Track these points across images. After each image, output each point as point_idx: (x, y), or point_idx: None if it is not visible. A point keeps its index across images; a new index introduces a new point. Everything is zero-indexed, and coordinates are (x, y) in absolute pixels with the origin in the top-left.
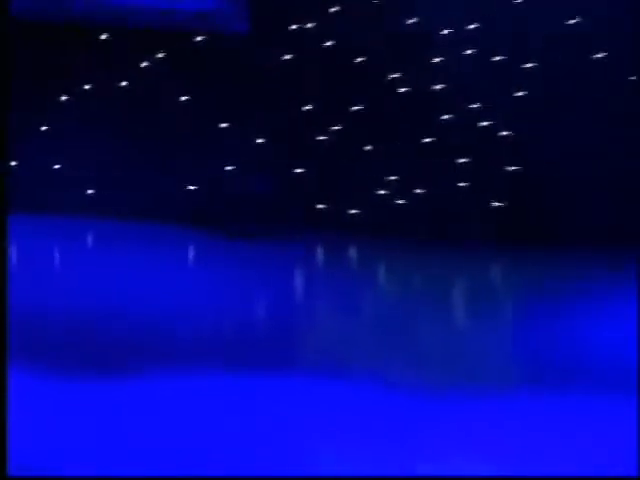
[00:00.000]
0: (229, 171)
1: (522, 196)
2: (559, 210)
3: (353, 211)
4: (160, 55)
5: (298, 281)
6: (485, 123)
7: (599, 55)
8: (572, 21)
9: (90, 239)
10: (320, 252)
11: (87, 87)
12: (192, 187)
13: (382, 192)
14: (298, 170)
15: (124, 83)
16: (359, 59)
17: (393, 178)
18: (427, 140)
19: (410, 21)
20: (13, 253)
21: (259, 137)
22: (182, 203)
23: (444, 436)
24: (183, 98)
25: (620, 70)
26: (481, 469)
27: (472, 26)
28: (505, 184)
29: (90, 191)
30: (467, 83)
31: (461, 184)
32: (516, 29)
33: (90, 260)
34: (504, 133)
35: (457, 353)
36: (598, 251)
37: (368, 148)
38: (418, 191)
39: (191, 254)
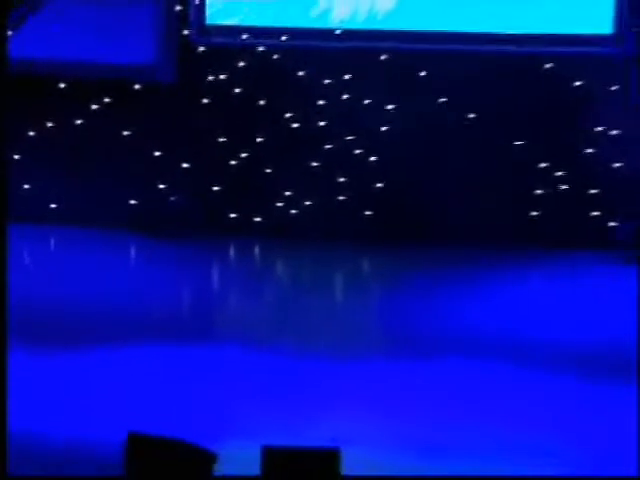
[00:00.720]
0: (161, 189)
1: (386, 207)
2: (416, 217)
3: (257, 219)
4: (107, 99)
5: (214, 273)
6: (358, 151)
7: (443, 99)
8: (422, 73)
9: (52, 243)
10: (231, 250)
11: (50, 124)
12: (133, 201)
13: (280, 204)
14: (215, 187)
15: (79, 121)
16: (261, 102)
17: (288, 193)
18: (314, 164)
19: (300, 73)
20: None
21: (185, 163)
22: (124, 213)
23: (339, 392)
24: (125, 133)
25: (459, 110)
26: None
27: (347, 76)
28: (373, 197)
29: (53, 205)
30: (344, 120)
31: (340, 197)
32: (382, 78)
33: (53, 260)
34: (372, 158)
35: (338, 326)
36: (451, 248)
37: (269, 170)
38: (307, 203)
39: (131, 253)
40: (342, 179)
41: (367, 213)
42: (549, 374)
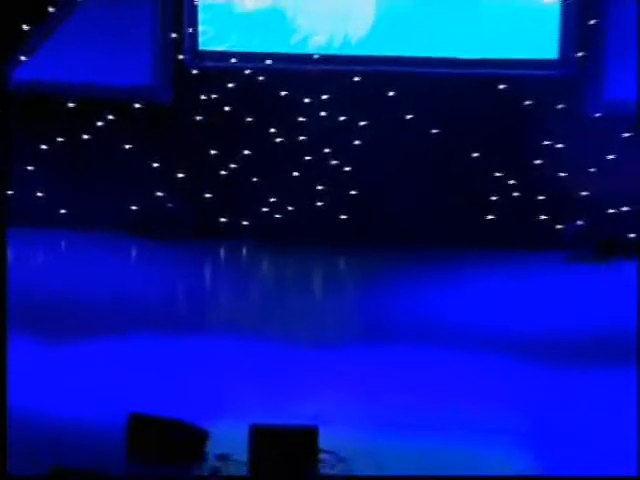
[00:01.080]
0: (159, 196)
1: (359, 211)
2: (386, 220)
3: (245, 222)
4: (110, 117)
5: (207, 272)
6: (334, 162)
7: (408, 116)
8: (390, 93)
9: (62, 245)
10: (222, 251)
11: (60, 139)
12: (134, 207)
13: (265, 209)
14: (207, 195)
15: (85, 136)
16: (248, 119)
17: (273, 199)
18: (295, 174)
19: (282, 93)
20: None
21: (180, 172)
22: (126, 218)
23: (320, 377)
24: (127, 146)
25: (424, 125)
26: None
27: (324, 96)
28: (347, 203)
29: (62, 210)
30: (321, 135)
31: (319, 203)
32: (355, 98)
33: (62, 259)
34: (347, 169)
35: (317, 318)
36: (418, 248)
37: (255, 179)
38: (290, 208)
39: (132, 254)
40: (320, 187)
41: (342, 217)
42: (508, 358)
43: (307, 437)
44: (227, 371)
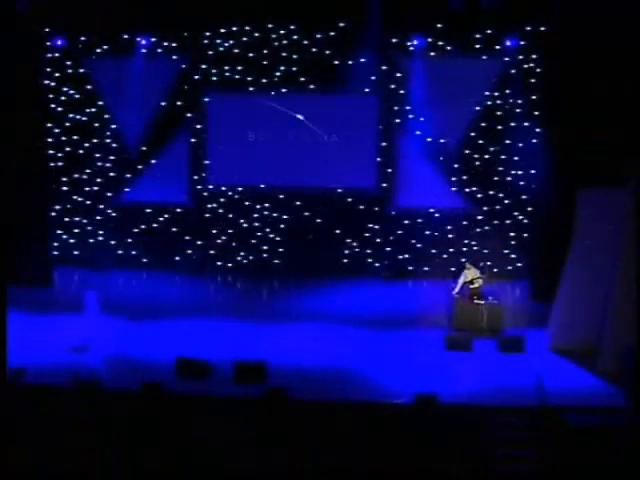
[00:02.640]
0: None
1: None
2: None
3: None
4: (166, 215)
5: (208, 289)
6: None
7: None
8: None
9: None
10: (219, 278)
11: (139, 229)
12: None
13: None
14: (212, 251)
15: (155, 224)
16: (230, 215)
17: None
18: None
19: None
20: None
21: (199, 240)
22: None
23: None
24: (174, 229)
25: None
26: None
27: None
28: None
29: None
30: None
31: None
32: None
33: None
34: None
35: (270, 309)
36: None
37: (235, 244)
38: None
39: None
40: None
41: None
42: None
43: (261, 366)
44: (219, 339)
